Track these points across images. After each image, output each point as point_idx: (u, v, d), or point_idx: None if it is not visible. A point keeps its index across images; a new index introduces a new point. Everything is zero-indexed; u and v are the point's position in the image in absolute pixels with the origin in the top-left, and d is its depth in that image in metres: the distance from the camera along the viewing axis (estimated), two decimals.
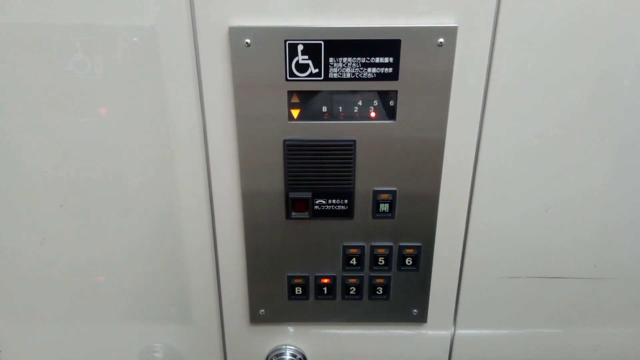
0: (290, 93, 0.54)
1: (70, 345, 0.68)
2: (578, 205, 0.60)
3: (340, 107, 0.55)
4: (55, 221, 0.60)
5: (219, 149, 0.56)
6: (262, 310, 0.65)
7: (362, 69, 0.52)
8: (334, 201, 0.58)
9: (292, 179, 0.57)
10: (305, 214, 0.59)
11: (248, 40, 0.51)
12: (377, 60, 0.52)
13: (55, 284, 0.64)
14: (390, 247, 0.61)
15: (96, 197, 0.59)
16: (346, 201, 0.58)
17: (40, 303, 0.65)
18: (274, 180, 0.57)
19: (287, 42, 0.51)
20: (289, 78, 0.53)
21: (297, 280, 0.63)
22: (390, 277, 0.63)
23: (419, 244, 0.61)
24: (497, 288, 0.65)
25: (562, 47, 0.52)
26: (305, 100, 0.54)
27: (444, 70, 0.53)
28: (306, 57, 0.52)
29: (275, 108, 0.54)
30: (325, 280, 0.63)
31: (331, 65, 0.52)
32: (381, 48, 0.51)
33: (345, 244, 0.61)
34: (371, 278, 0.63)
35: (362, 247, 0.61)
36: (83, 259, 0.62)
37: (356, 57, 0.52)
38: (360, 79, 0.53)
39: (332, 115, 0.55)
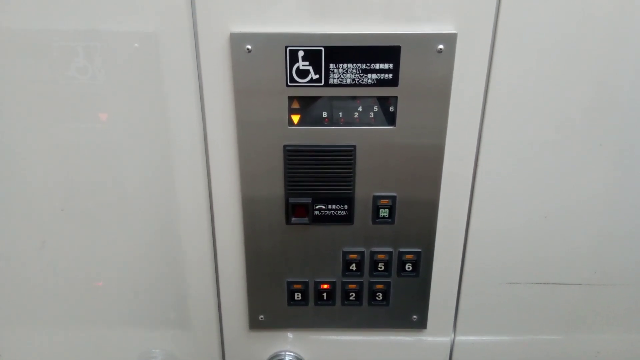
0: (291, 99, 0.54)
1: (69, 350, 0.68)
2: (578, 211, 0.60)
3: (341, 113, 0.55)
4: (56, 225, 0.60)
5: (219, 154, 0.57)
6: (262, 316, 0.65)
7: (362, 75, 0.53)
8: (334, 206, 0.58)
9: (292, 184, 0.57)
10: (305, 219, 0.59)
11: (249, 47, 0.51)
12: (377, 66, 0.52)
13: (55, 287, 0.63)
14: (390, 253, 0.61)
15: (97, 201, 0.59)
16: (346, 206, 0.58)
17: (40, 306, 0.65)
18: (274, 185, 0.57)
19: (288, 48, 0.51)
20: (289, 84, 0.53)
21: (296, 286, 0.63)
22: (390, 283, 0.63)
23: (419, 250, 0.61)
24: (497, 294, 0.64)
25: (561, 53, 0.53)
26: (306, 105, 0.54)
27: (444, 77, 0.53)
28: (307, 63, 0.52)
29: (276, 113, 0.54)
30: (325, 286, 0.63)
31: (331, 71, 0.52)
32: (381, 54, 0.52)
33: (345, 249, 0.61)
34: (371, 284, 0.63)
35: (362, 253, 0.61)
36: (83, 263, 0.62)
37: (356, 63, 0.52)
38: (360, 85, 0.53)
39: (332, 121, 0.55)
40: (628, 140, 0.57)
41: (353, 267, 0.62)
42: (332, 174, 0.57)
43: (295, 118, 0.55)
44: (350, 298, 0.63)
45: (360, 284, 0.63)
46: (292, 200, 0.58)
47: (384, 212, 0.59)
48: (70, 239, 0.61)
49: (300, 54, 0.52)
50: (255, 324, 0.65)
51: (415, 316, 0.65)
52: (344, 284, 0.63)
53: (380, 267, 0.62)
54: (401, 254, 0.61)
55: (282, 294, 0.63)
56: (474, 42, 0.52)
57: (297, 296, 0.63)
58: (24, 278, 0.63)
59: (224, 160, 0.57)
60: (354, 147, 0.56)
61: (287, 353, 0.67)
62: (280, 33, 0.51)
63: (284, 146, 0.56)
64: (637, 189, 0.59)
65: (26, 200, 0.59)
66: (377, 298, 0.63)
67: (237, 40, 0.51)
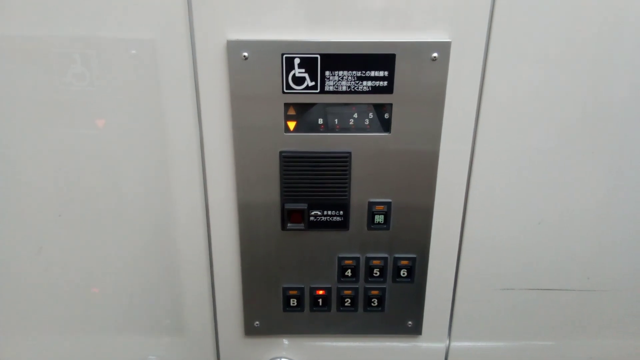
0: (287, 105, 0.54)
1: (65, 356, 0.67)
2: (571, 217, 0.61)
3: (336, 120, 0.55)
4: (53, 230, 0.60)
5: (215, 161, 0.57)
6: (257, 322, 0.65)
7: (357, 82, 0.53)
8: (329, 212, 0.59)
9: (288, 190, 0.57)
10: (301, 225, 0.59)
11: (246, 54, 0.52)
12: (373, 73, 0.53)
13: (51, 293, 0.63)
14: (385, 259, 0.61)
15: (93, 207, 0.59)
16: (341, 212, 0.59)
17: (35, 312, 0.64)
18: (270, 191, 0.58)
19: (284, 56, 0.52)
20: (285, 91, 0.53)
21: (292, 292, 0.63)
22: (385, 289, 0.63)
23: (414, 256, 0.61)
24: (492, 300, 0.65)
25: (554, 61, 0.53)
26: (302, 112, 0.55)
27: (438, 84, 0.53)
28: (303, 70, 0.53)
29: (272, 120, 0.55)
30: (321, 292, 0.63)
31: (327, 79, 0.53)
32: (376, 62, 0.52)
33: (341, 255, 0.61)
34: (366, 290, 0.63)
35: (357, 259, 0.61)
36: (79, 269, 0.62)
37: (352, 70, 0.53)
38: (355, 92, 0.54)
39: (327, 128, 0.56)
40: (621, 148, 0.58)
41: (348, 273, 0.62)
42: (327, 180, 0.57)
43: (291, 124, 0.55)
44: (346, 304, 0.64)
45: (356, 289, 0.63)
46: (288, 206, 0.58)
47: (379, 218, 0.59)
48: (66, 245, 0.61)
49: (297, 61, 0.52)
50: (250, 330, 0.65)
51: (410, 322, 0.65)
52: (339, 289, 0.63)
53: (376, 273, 0.62)
54: (396, 259, 0.61)
55: (278, 300, 0.63)
56: (468, 50, 0.53)
57: (293, 302, 0.63)
58: (20, 284, 0.63)
59: (220, 167, 0.57)
60: (350, 153, 0.56)
61: (282, 359, 0.67)
62: (277, 40, 0.52)
63: (280, 152, 0.56)
64: (630, 195, 0.60)
65: (23, 206, 0.59)
66: (372, 304, 0.64)
67: (233, 48, 0.52)
